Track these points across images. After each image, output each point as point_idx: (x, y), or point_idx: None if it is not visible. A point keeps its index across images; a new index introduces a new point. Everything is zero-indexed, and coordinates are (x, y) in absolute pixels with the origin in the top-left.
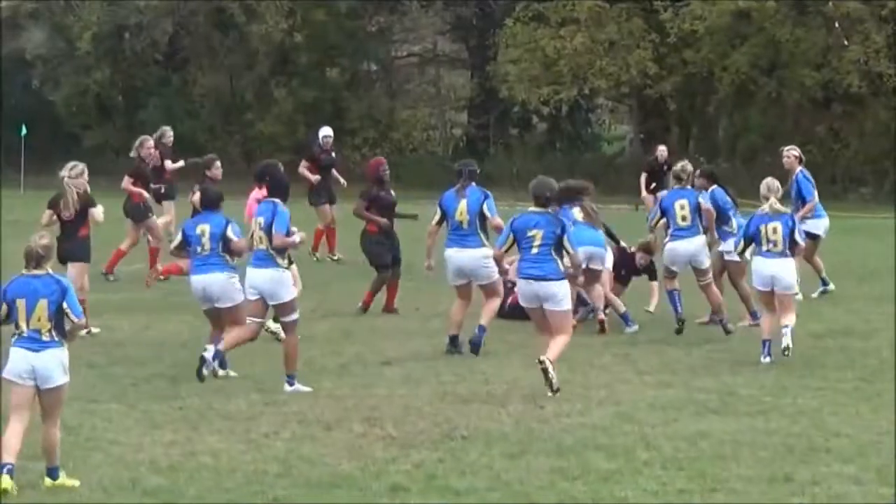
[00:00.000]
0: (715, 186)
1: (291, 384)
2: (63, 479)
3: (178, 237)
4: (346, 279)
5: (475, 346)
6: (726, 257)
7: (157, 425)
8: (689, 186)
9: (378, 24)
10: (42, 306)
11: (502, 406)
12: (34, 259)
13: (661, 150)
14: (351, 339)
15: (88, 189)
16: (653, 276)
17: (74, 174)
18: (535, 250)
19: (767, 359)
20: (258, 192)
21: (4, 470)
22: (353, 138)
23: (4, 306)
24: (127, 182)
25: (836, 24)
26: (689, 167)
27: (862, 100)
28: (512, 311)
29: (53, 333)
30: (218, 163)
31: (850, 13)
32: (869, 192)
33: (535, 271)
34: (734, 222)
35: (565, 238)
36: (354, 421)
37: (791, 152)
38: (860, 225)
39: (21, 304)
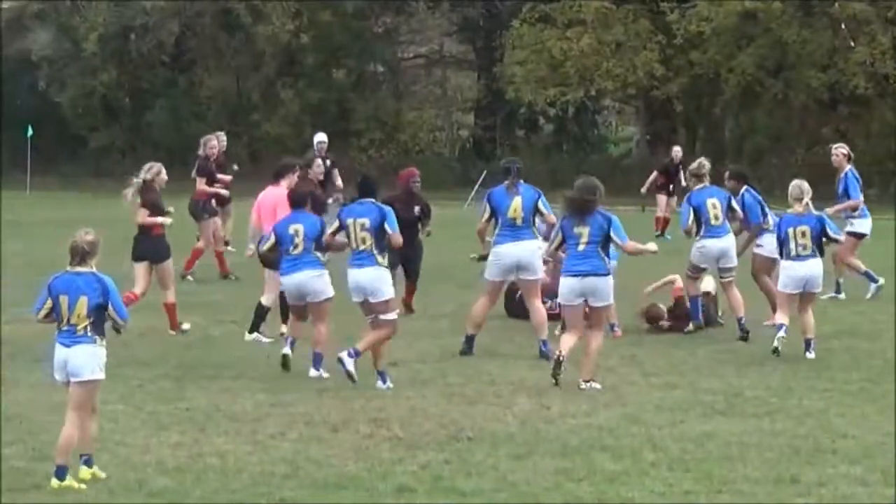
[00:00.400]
0: (746, 187)
1: (351, 356)
2: (70, 481)
3: (271, 238)
4: None
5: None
6: (755, 250)
7: (163, 426)
8: (707, 183)
9: (384, 25)
10: (82, 303)
11: (508, 407)
12: (79, 254)
13: (676, 151)
14: (357, 340)
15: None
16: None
17: (151, 175)
18: (581, 247)
19: (811, 354)
20: (273, 189)
21: (83, 461)
22: (360, 139)
23: (49, 301)
24: (201, 183)
25: (843, 26)
26: (707, 163)
27: (868, 101)
28: (518, 312)
29: (89, 329)
30: (319, 161)
31: (857, 14)
32: (874, 194)
33: (584, 267)
34: (770, 219)
35: (612, 232)
36: (361, 422)
37: (840, 150)
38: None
39: (63, 300)
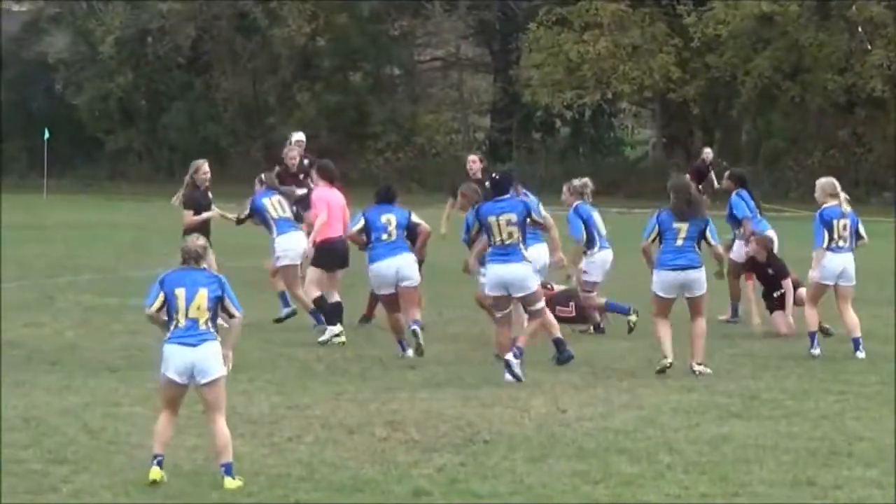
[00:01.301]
0: (741, 189)
1: (517, 356)
2: (236, 480)
3: (361, 222)
4: (365, 283)
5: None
6: (731, 254)
7: (180, 429)
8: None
9: (401, 28)
10: (202, 295)
11: (524, 410)
12: (192, 258)
13: (707, 153)
14: (373, 343)
15: None
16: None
17: (190, 173)
18: (679, 242)
19: (817, 350)
20: (334, 191)
21: (156, 461)
22: (376, 142)
23: (162, 295)
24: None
25: (859, 28)
26: (591, 184)
27: (884, 104)
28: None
29: (210, 325)
30: (472, 157)
31: (874, 17)
32: (892, 196)
33: (683, 261)
34: (747, 227)
35: (707, 231)
36: (377, 425)
37: None
38: (882, 229)
39: (181, 293)
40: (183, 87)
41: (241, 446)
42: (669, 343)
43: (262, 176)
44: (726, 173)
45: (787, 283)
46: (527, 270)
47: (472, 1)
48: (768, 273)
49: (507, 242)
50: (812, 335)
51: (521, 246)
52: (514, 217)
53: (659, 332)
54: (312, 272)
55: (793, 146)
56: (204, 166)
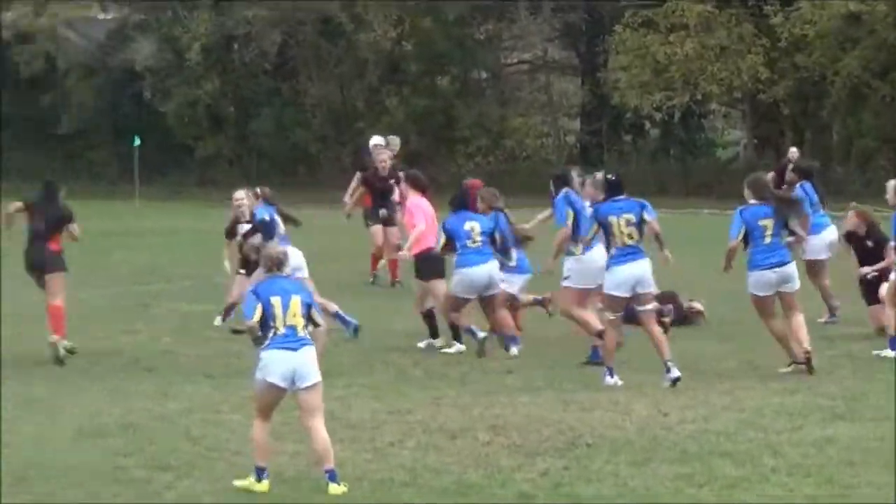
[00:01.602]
0: (804, 182)
1: (672, 371)
2: (340, 486)
3: (443, 237)
4: None
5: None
6: (803, 256)
7: (279, 436)
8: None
9: (487, 32)
10: (296, 302)
11: (625, 413)
12: (276, 264)
13: (793, 152)
14: (471, 348)
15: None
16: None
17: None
18: (767, 239)
19: (893, 353)
20: (415, 197)
21: (265, 475)
22: (466, 147)
23: (260, 306)
24: (354, 183)
25: None
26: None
27: None
28: (629, 318)
29: (306, 331)
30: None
31: None
32: None
33: (776, 258)
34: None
35: (791, 223)
36: (479, 429)
37: None
38: None
39: (277, 301)
40: (270, 93)
41: (342, 451)
42: (792, 336)
43: (258, 189)
44: (790, 166)
45: (889, 249)
46: (649, 266)
47: (557, 2)
48: (867, 245)
49: (629, 243)
50: (893, 339)
51: (641, 245)
52: (632, 217)
53: (777, 332)
54: (437, 286)
55: (884, 145)
56: (236, 193)
